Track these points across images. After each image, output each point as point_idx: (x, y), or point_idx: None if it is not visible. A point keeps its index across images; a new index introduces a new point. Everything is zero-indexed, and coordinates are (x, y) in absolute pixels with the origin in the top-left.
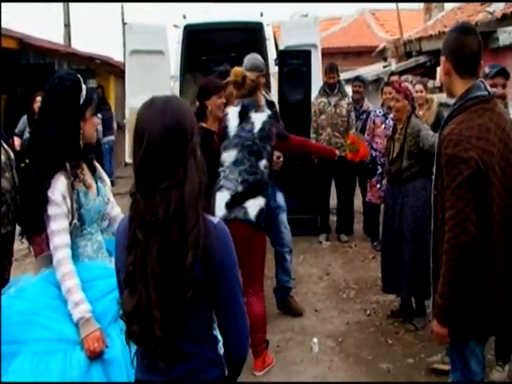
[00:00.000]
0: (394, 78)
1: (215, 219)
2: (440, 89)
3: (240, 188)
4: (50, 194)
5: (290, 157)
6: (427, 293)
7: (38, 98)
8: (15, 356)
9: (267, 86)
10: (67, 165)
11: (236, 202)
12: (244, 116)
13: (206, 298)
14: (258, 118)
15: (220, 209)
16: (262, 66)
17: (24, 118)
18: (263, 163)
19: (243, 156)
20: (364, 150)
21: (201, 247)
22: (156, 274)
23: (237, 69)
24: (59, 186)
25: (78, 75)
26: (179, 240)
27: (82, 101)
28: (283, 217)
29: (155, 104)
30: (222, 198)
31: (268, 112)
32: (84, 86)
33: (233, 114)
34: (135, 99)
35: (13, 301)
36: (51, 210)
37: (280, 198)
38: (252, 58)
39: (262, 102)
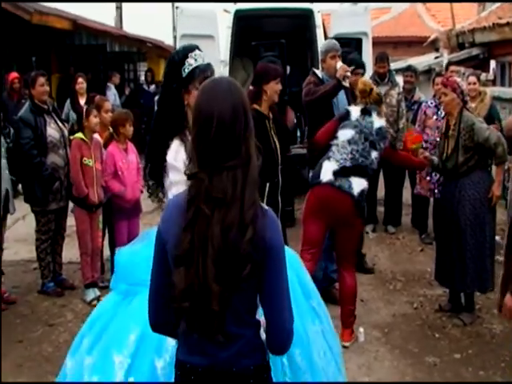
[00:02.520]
0: (453, 67)
1: (265, 206)
2: (493, 82)
3: (348, 163)
4: (172, 161)
5: None
6: (491, 285)
7: (80, 80)
8: (136, 295)
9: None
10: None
11: (343, 173)
12: (366, 112)
13: (251, 279)
14: (378, 120)
15: (326, 174)
16: (337, 46)
17: (68, 103)
18: (375, 154)
19: (359, 138)
20: (420, 137)
21: (256, 226)
22: (217, 248)
23: (365, 79)
24: (181, 156)
25: (188, 49)
26: (239, 217)
27: (185, 74)
28: None
29: (220, 84)
30: (329, 165)
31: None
32: (191, 61)
33: (355, 109)
34: None
35: (143, 249)
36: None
37: None
38: (327, 41)
39: (383, 112)
